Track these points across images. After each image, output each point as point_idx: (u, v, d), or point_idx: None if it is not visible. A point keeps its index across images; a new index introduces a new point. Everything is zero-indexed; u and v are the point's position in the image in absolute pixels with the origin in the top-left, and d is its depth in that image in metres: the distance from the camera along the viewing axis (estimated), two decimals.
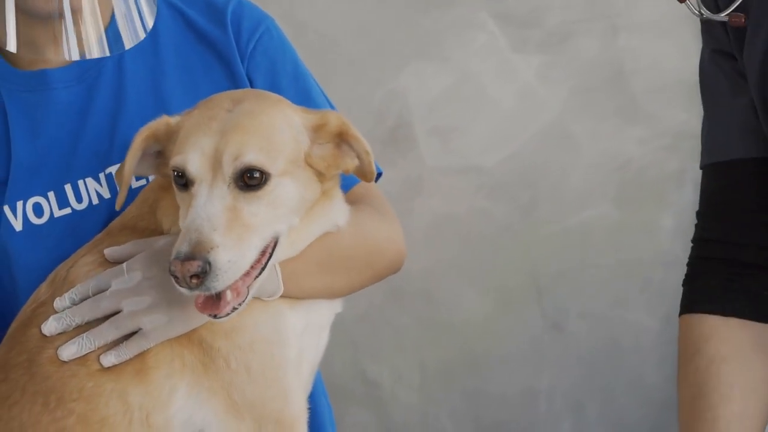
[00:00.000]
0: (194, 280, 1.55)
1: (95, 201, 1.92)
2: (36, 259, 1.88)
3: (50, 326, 1.71)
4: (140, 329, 1.69)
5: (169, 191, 1.73)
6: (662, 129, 3.53)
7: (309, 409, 1.81)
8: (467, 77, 3.48)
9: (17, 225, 1.89)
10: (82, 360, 1.68)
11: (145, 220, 1.79)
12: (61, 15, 1.70)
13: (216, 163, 1.61)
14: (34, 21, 1.72)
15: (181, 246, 1.55)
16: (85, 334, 1.70)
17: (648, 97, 3.50)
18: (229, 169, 1.61)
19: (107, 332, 1.70)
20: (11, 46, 1.71)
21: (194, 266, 1.53)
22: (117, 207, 1.74)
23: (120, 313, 1.70)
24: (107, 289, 1.72)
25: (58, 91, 1.93)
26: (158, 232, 1.77)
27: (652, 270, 3.46)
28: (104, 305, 1.71)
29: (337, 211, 1.82)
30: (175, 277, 1.55)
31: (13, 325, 1.78)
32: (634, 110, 3.50)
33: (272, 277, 1.71)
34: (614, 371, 3.57)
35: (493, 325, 3.56)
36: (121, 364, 1.68)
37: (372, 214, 1.94)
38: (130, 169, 1.71)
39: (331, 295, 1.84)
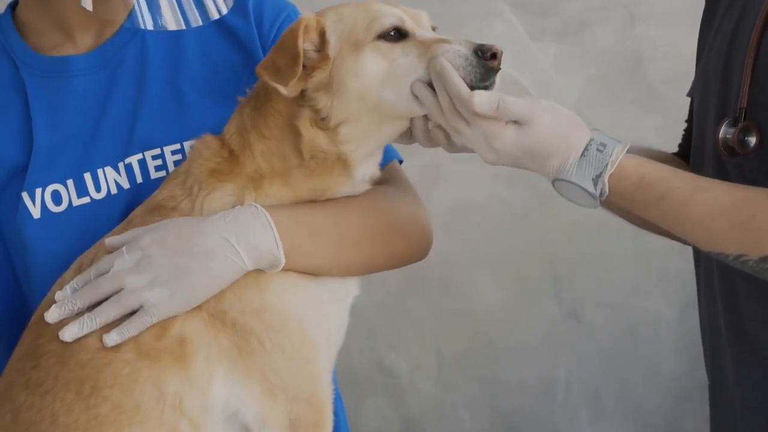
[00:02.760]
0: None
1: (114, 191, 1.91)
2: (52, 248, 1.88)
3: (52, 313, 1.73)
4: (142, 306, 1.71)
5: (220, 176, 1.78)
6: (680, 118, 3.51)
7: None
8: None
9: (35, 212, 1.88)
10: (116, 347, 1.69)
11: (175, 201, 1.79)
12: None
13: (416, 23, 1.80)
14: None
15: (473, 44, 1.71)
16: (86, 314, 1.72)
17: (666, 86, 3.49)
18: (428, 25, 1.82)
19: (108, 310, 1.71)
20: (87, 3, 1.80)
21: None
22: (291, 94, 1.76)
23: (121, 291, 1.72)
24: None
25: (80, 78, 1.93)
26: (183, 213, 1.78)
27: (669, 259, 3.46)
28: (105, 286, 1.73)
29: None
30: (494, 56, 1.70)
31: (38, 312, 1.77)
32: (651, 99, 3.50)
33: (272, 248, 1.74)
34: (631, 360, 3.57)
35: (511, 314, 3.57)
36: (158, 351, 1.70)
37: (391, 194, 1.94)
38: (301, 55, 1.74)
39: (344, 271, 1.85)
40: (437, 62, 1.70)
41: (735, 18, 1.82)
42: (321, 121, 1.76)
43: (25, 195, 1.88)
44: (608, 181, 1.64)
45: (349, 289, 1.87)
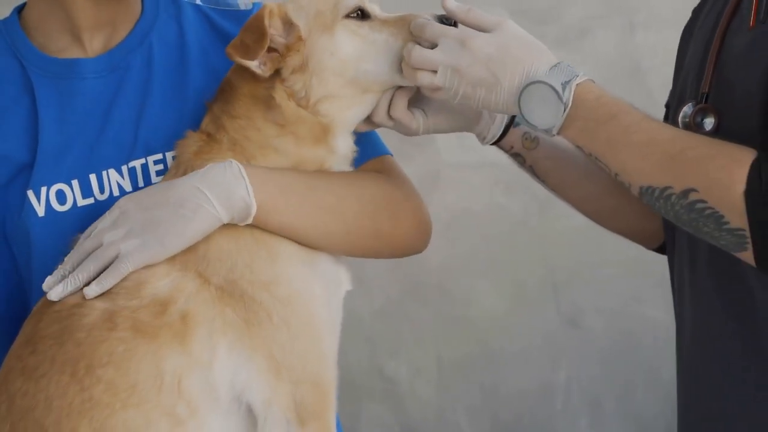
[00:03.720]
0: None
1: (116, 193, 1.93)
2: (54, 246, 1.88)
3: (48, 282, 1.78)
4: (118, 256, 1.76)
5: (203, 155, 1.84)
6: None
7: None
8: None
9: (40, 210, 1.90)
10: (112, 324, 1.70)
11: None
12: None
13: None
14: None
15: (437, 15, 1.85)
16: (70, 273, 1.77)
17: (665, 93, 3.49)
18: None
19: (88, 265, 1.76)
20: None
21: None
22: (265, 74, 1.84)
23: (100, 246, 1.77)
24: None
25: (88, 81, 1.95)
26: None
27: (667, 266, 3.46)
28: (87, 245, 1.78)
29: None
30: (455, 24, 1.83)
31: (40, 302, 1.79)
32: (651, 106, 3.48)
33: (243, 195, 1.78)
34: (631, 367, 3.58)
35: (510, 320, 3.57)
36: (158, 327, 1.71)
37: (380, 176, 1.98)
38: (267, 32, 1.84)
39: (326, 240, 1.88)
40: (415, 21, 1.84)
41: (714, 16, 1.85)
42: (300, 101, 1.86)
43: (30, 193, 1.90)
44: (574, 91, 1.74)
45: (341, 279, 1.90)
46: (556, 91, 1.74)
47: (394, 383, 3.60)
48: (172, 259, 1.76)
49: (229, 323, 1.73)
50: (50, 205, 1.90)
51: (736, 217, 1.62)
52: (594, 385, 3.59)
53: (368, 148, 1.98)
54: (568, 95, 1.74)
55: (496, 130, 1.97)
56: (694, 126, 1.79)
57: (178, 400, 1.69)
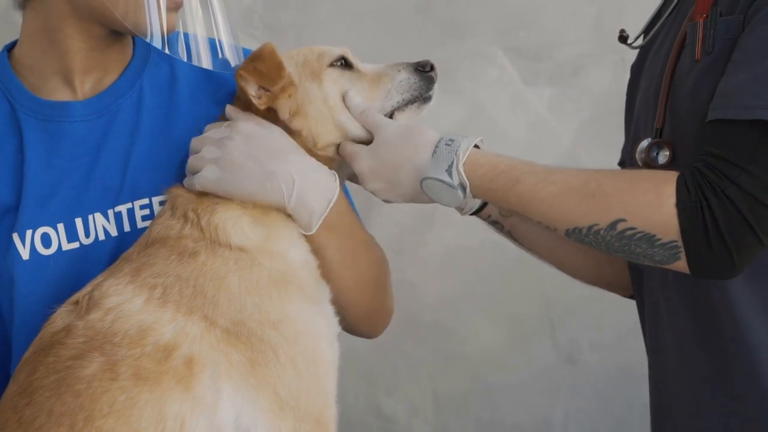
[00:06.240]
0: None
1: (102, 237, 1.92)
2: (38, 290, 1.89)
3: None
4: (197, 173, 1.86)
5: (213, 197, 1.85)
6: None
7: None
8: (479, 110, 3.50)
9: (24, 253, 1.89)
10: (113, 374, 1.68)
11: (174, 229, 1.82)
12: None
13: None
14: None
15: (412, 65, 1.99)
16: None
17: None
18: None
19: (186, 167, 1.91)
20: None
21: None
22: (261, 107, 1.90)
23: (197, 154, 1.88)
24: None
25: (77, 124, 1.94)
26: (193, 237, 1.82)
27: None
28: (194, 144, 1.90)
29: None
30: (432, 68, 1.99)
31: (30, 350, 1.77)
32: None
33: (320, 209, 1.87)
34: (628, 401, 3.57)
35: (507, 356, 3.57)
36: (160, 373, 1.69)
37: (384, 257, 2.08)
38: (284, 66, 1.90)
39: (347, 272, 1.97)
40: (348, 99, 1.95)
41: (664, 53, 1.89)
42: (311, 148, 1.92)
43: (15, 236, 1.89)
44: (464, 172, 1.77)
45: (336, 318, 1.92)
46: (445, 182, 1.78)
47: (392, 421, 3.59)
48: (178, 304, 1.75)
49: (235, 365, 1.72)
50: (35, 249, 1.89)
51: (668, 231, 1.67)
52: (591, 420, 3.59)
53: None
54: (458, 178, 1.78)
55: (473, 203, 2.02)
56: (649, 160, 1.83)
57: None
